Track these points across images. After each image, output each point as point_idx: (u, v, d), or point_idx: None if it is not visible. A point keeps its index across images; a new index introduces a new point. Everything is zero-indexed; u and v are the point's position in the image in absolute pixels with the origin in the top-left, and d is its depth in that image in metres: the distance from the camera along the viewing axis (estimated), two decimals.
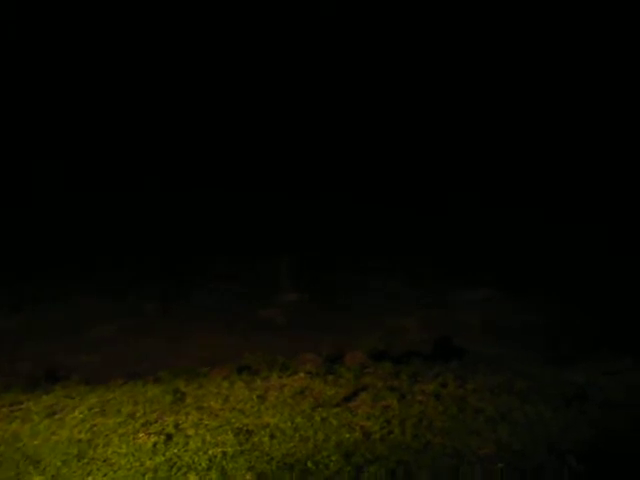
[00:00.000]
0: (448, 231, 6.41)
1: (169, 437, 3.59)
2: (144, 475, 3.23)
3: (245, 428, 3.69)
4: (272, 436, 3.60)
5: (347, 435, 3.55)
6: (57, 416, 3.98)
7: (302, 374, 4.46)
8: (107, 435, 3.65)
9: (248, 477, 3.22)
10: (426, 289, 5.35)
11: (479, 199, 6.88)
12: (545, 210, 6.85)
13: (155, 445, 3.50)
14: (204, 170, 8.27)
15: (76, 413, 3.98)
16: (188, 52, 8.73)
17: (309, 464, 3.30)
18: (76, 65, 8.80)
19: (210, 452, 3.44)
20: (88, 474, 3.28)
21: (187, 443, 3.54)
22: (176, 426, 3.73)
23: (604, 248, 5.77)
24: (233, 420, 3.79)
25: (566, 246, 6.03)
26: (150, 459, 3.36)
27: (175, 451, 3.45)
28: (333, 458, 3.33)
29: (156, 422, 3.78)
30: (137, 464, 3.33)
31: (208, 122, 8.62)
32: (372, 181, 7.78)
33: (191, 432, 3.66)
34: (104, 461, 3.37)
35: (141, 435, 3.62)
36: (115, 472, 3.27)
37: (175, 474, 3.24)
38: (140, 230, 7.23)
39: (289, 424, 3.73)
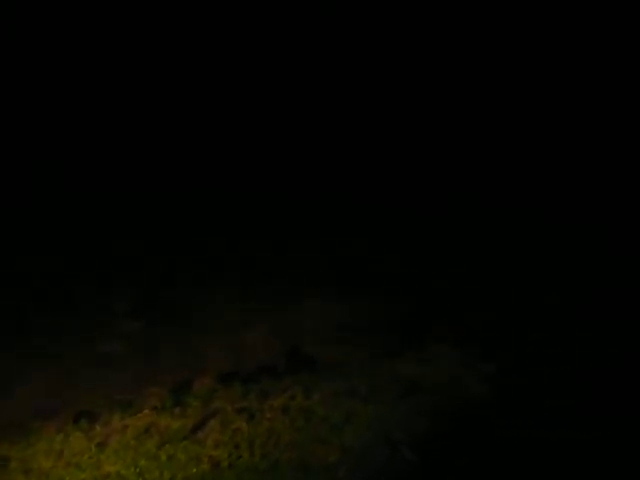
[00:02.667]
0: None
1: None
2: None
3: None
4: None
5: (194, 469, 3.40)
6: None
7: (147, 411, 4.19)
8: None
9: None
10: (266, 301, 5.32)
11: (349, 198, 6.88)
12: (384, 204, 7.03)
13: None
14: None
15: None
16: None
17: None
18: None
19: None
20: None
21: None
22: None
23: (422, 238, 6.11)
24: (67, 478, 3.45)
25: (391, 239, 6.30)
26: None
27: None
28: None
29: None
30: None
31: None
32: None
33: None
34: None
35: None
36: None
37: None
38: None
39: (132, 470, 3.48)
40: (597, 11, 7.71)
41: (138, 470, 3.45)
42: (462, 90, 7.98)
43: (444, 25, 8.05)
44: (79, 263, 6.37)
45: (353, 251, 6.00)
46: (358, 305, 4.99)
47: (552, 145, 7.66)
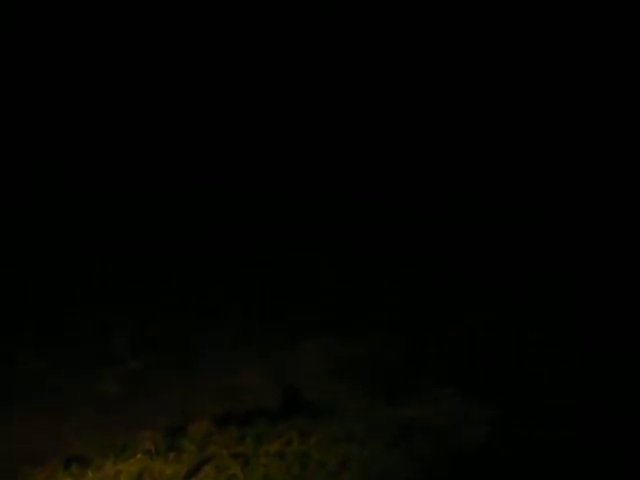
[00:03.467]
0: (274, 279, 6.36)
1: None
2: None
3: None
4: None
5: None
6: None
7: (140, 455, 4.11)
8: None
9: None
10: (265, 342, 5.28)
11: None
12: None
13: None
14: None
15: None
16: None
17: None
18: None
19: None
20: None
21: None
22: None
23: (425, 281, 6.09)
24: None
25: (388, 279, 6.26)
26: None
27: None
28: None
29: None
30: None
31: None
32: None
33: None
34: None
35: None
36: None
37: None
38: None
39: None
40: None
41: None
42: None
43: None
44: (77, 293, 6.31)
45: (351, 287, 5.96)
46: (356, 347, 4.95)
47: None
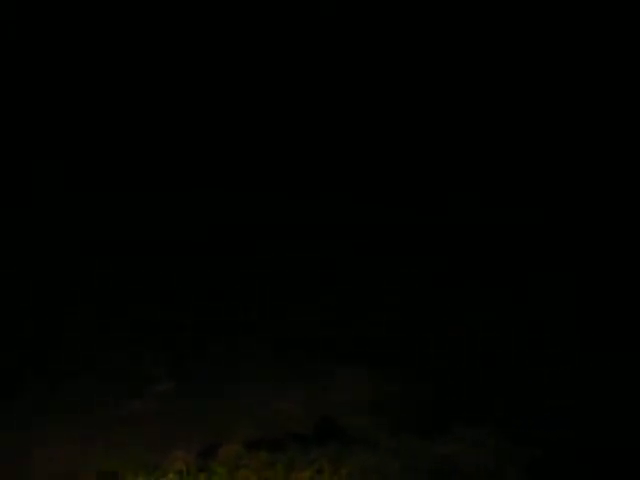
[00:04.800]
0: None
1: None
2: None
3: None
4: None
5: None
6: None
7: (171, 475, 4.11)
8: None
9: None
10: (299, 368, 5.25)
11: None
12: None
13: None
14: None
15: None
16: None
17: None
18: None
19: None
20: None
21: None
22: None
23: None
24: None
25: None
26: None
27: None
28: None
29: None
30: None
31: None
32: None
33: None
34: None
35: None
36: None
37: None
38: None
39: None
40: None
41: None
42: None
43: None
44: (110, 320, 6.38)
45: (382, 316, 5.88)
46: (389, 379, 4.88)
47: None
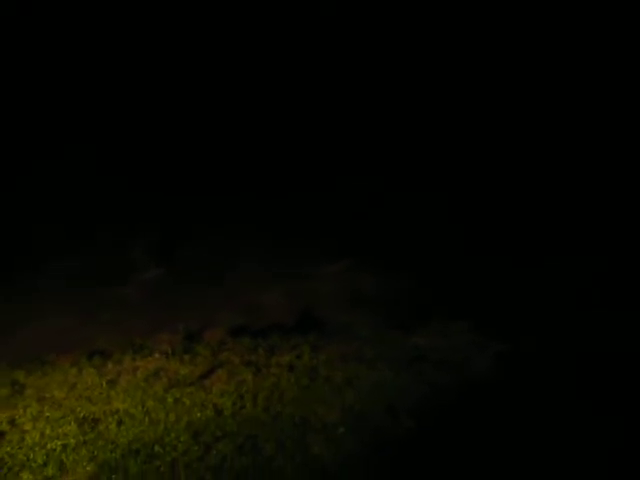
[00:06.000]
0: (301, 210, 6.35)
1: (1, 435, 3.32)
2: None
3: (91, 417, 3.52)
4: (120, 422, 3.46)
5: (199, 414, 3.51)
6: None
7: (157, 355, 4.32)
8: None
9: (89, 468, 3.08)
10: (287, 263, 5.37)
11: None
12: (390, 178, 6.92)
13: None
14: None
15: None
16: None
17: (156, 447, 3.22)
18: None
19: (48, 446, 3.24)
20: None
21: (23, 439, 3.30)
22: (11, 422, 3.46)
23: (444, 217, 6.03)
24: (78, 409, 3.60)
25: (407, 216, 6.22)
26: None
27: (7, 449, 3.21)
28: (182, 439, 3.28)
29: None
30: None
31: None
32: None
33: (28, 426, 3.42)
34: None
35: None
36: None
37: (5, 475, 3.01)
38: None
39: (139, 408, 3.61)
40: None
41: (145, 409, 3.58)
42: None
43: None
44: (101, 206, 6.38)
45: (372, 221, 5.94)
46: (373, 275, 5.01)
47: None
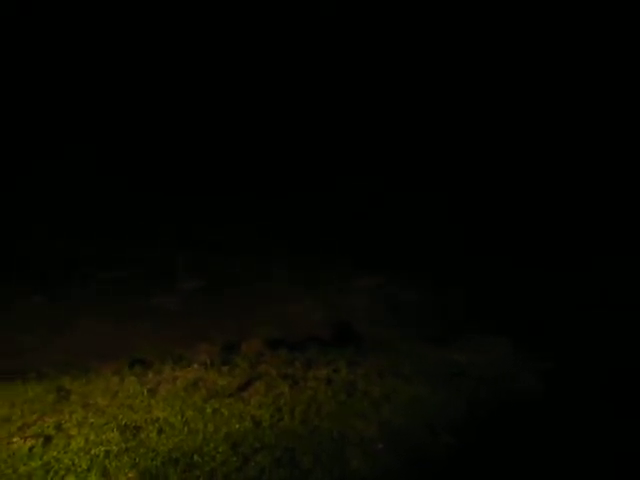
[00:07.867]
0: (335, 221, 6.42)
1: (48, 439, 3.42)
2: None
3: (133, 424, 3.59)
4: (160, 431, 3.52)
5: (237, 425, 3.55)
6: None
7: (196, 365, 4.39)
8: None
9: (131, 475, 3.13)
10: (322, 277, 5.40)
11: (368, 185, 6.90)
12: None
13: (31, 449, 3.32)
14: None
15: None
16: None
17: (195, 457, 3.26)
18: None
19: (92, 452, 3.31)
20: None
21: (68, 444, 3.39)
22: (57, 427, 3.56)
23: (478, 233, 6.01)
24: (120, 416, 3.68)
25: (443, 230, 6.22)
26: (24, 464, 3.19)
27: (54, 454, 3.30)
28: (220, 449, 3.32)
29: (35, 424, 3.58)
30: (9, 471, 3.14)
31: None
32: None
33: (74, 432, 3.51)
34: None
35: (16, 439, 3.42)
36: None
37: (52, 478, 3.09)
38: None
39: (179, 418, 3.67)
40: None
41: (184, 419, 3.64)
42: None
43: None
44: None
45: (405, 233, 5.95)
46: (409, 289, 5.01)
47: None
